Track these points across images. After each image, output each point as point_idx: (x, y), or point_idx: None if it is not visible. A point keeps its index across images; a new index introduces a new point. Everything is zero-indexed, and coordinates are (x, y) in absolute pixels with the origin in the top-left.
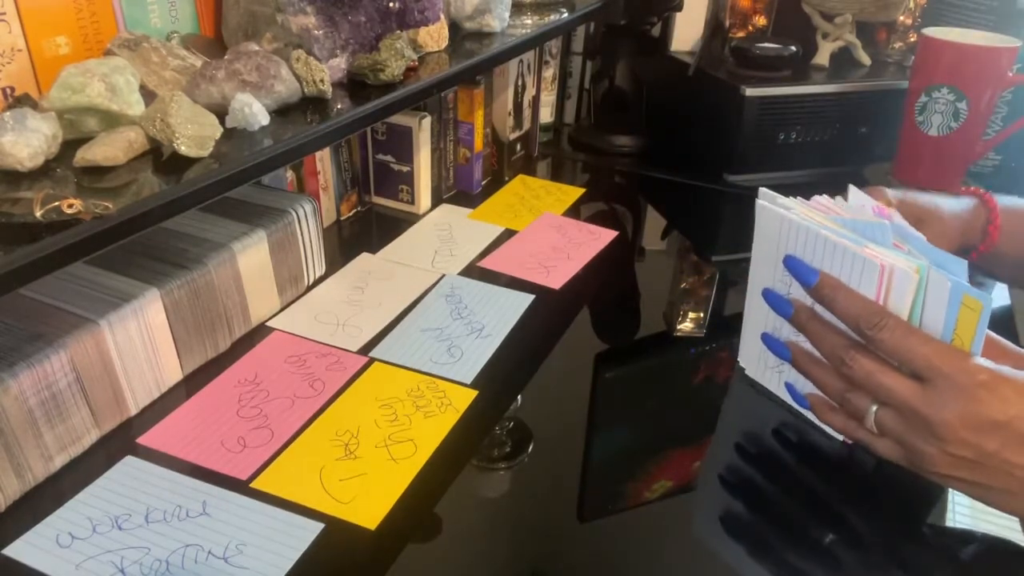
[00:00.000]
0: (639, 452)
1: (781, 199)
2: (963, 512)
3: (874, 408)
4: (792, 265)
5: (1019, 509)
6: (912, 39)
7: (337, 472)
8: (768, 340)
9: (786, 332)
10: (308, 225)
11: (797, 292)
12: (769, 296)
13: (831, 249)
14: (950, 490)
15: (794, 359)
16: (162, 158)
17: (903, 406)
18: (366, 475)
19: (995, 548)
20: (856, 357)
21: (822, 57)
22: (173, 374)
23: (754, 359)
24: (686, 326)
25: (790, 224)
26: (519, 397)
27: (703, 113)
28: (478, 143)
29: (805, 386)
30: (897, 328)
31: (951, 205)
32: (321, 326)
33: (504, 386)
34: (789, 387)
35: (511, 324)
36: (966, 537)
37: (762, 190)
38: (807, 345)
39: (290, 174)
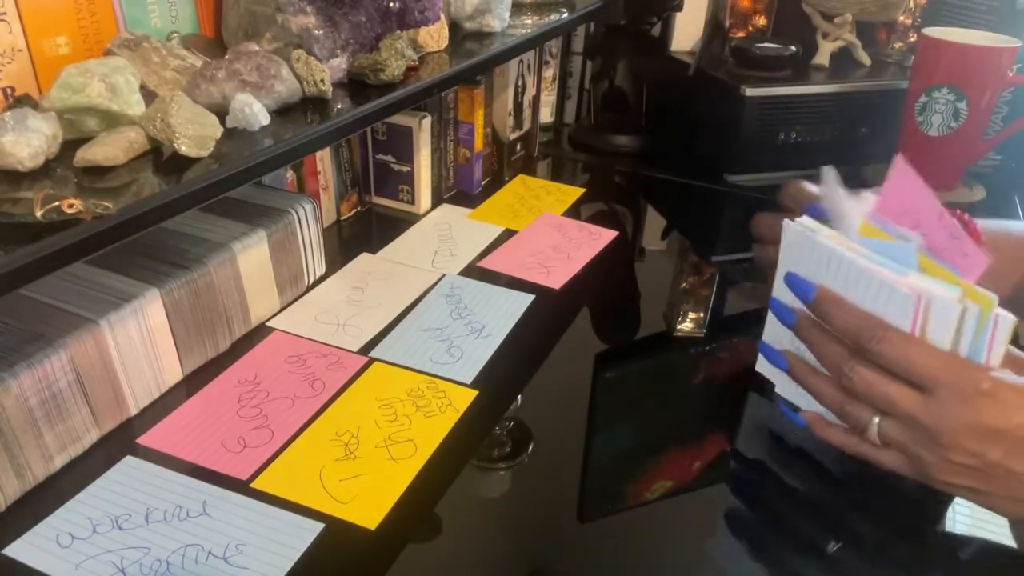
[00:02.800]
0: (639, 452)
1: (808, 221)
2: (963, 516)
3: (876, 419)
4: (791, 281)
5: None
6: (912, 39)
7: (337, 472)
8: (765, 349)
9: (786, 342)
10: (308, 225)
11: None
12: (774, 305)
13: (859, 276)
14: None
15: (792, 369)
16: (162, 158)
17: (905, 416)
18: (366, 475)
19: (995, 552)
20: (856, 368)
21: (822, 57)
22: (173, 374)
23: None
24: (686, 326)
25: (818, 247)
26: (519, 397)
27: (703, 113)
28: (478, 143)
29: (801, 402)
30: (897, 339)
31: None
32: (321, 326)
33: (504, 386)
34: (783, 405)
35: (511, 324)
36: (965, 542)
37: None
38: (808, 357)
39: (290, 174)
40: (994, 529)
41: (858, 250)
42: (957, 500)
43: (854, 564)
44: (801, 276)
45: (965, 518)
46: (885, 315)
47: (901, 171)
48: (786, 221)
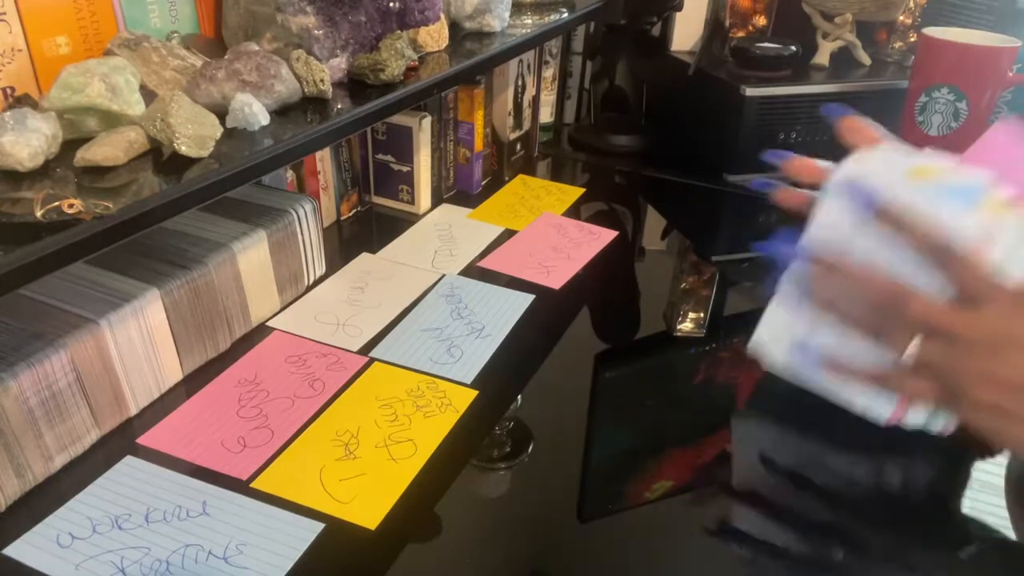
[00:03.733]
0: (639, 452)
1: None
2: (966, 509)
3: (915, 341)
4: (852, 189)
5: None
6: (912, 39)
7: (337, 472)
8: (769, 249)
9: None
10: (308, 225)
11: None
12: (803, 248)
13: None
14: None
15: (816, 292)
16: (162, 158)
17: (948, 332)
18: (366, 475)
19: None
20: (910, 294)
21: (822, 57)
22: (173, 374)
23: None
24: (686, 326)
25: (872, 185)
26: (519, 397)
27: (703, 113)
28: (478, 143)
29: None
30: (963, 257)
31: None
32: (321, 326)
33: (504, 386)
34: (801, 349)
35: (511, 324)
36: (967, 540)
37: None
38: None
39: (290, 174)
40: (995, 522)
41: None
42: (958, 500)
43: (854, 564)
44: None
45: (967, 516)
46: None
47: (1003, 130)
48: (840, 165)
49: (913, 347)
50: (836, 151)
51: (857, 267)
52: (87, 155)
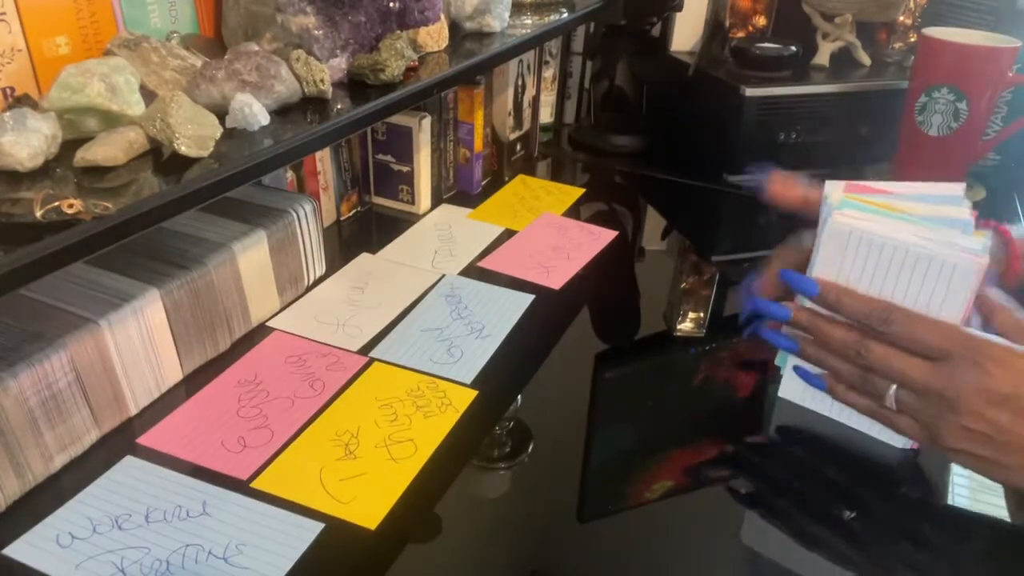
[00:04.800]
0: (639, 452)
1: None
2: (964, 498)
3: (892, 389)
4: (790, 279)
5: None
6: (912, 39)
7: (337, 472)
8: (771, 336)
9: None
10: (308, 225)
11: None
12: (760, 304)
13: (912, 260)
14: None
15: (803, 350)
16: (162, 158)
17: (919, 386)
18: (366, 475)
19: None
20: (870, 346)
21: (822, 57)
22: (173, 374)
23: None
24: (686, 326)
25: (863, 237)
26: (519, 397)
27: (703, 113)
28: (478, 143)
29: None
30: (904, 317)
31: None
32: (321, 326)
33: (504, 386)
34: (800, 371)
35: (511, 324)
36: (968, 539)
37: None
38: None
39: (290, 174)
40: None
41: (908, 233)
42: (958, 500)
43: (855, 562)
44: (794, 273)
45: (968, 516)
46: (948, 288)
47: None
48: (834, 215)
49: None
50: (835, 151)
51: (824, 321)
52: (87, 155)
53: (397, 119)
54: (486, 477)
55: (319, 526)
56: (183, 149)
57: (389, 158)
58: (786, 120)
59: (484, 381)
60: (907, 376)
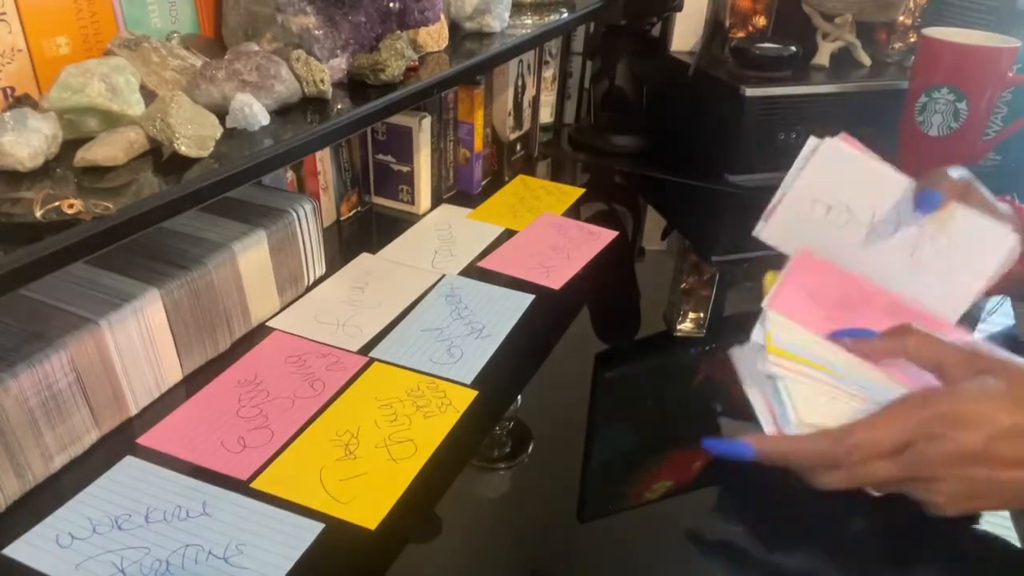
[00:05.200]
0: (639, 452)
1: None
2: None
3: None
4: (719, 449)
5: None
6: (912, 39)
7: (337, 472)
8: (712, 445)
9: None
10: (308, 225)
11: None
12: (719, 446)
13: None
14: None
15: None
16: (162, 158)
17: (896, 483)
18: (366, 475)
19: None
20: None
21: (822, 57)
22: (173, 374)
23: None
24: (686, 326)
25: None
26: (519, 397)
27: (703, 113)
28: (478, 143)
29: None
30: (862, 433)
31: (1003, 209)
32: (321, 326)
33: (504, 386)
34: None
35: (511, 324)
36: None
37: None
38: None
39: (290, 174)
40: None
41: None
42: None
43: (854, 565)
44: (731, 443)
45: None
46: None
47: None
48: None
49: None
50: None
51: (790, 446)
52: (87, 155)
53: (397, 119)
54: (486, 477)
55: (319, 526)
56: (183, 149)
57: (389, 158)
58: (786, 120)
59: (484, 381)
60: (884, 480)
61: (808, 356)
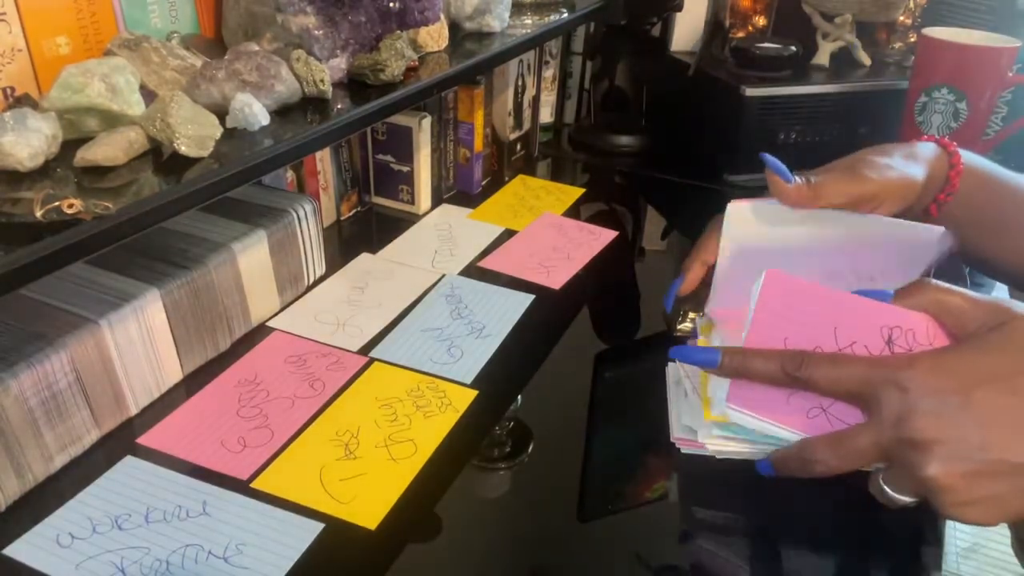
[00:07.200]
0: (639, 452)
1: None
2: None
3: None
4: (687, 354)
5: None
6: (912, 39)
7: (337, 472)
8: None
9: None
10: (308, 225)
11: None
12: (686, 352)
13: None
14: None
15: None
16: (162, 158)
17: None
18: (366, 475)
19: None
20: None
21: (822, 57)
22: (173, 374)
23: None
24: (686, 326)
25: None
26: (519, 397)
27: (703, 113)
28: (478, 143)
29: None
30: (821, 360)
31: (900, 165)
32: (321, 326)
33: (504, 386)
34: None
35: (511, 324)
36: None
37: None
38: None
39: (290, 174)
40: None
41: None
42: None
43: (855, 563)
44: (689, 346)
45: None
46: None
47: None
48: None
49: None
50: (835, 151)
51: (751, 359)
52: (87, 155)
53: (397, 119)
54: (486, 477)
55: (319, 526)
56: (183, 149)
57: (389, 158)
58: (786, 120)
59: (484, 381)
60: (863, 450)
61: (746, 436)
